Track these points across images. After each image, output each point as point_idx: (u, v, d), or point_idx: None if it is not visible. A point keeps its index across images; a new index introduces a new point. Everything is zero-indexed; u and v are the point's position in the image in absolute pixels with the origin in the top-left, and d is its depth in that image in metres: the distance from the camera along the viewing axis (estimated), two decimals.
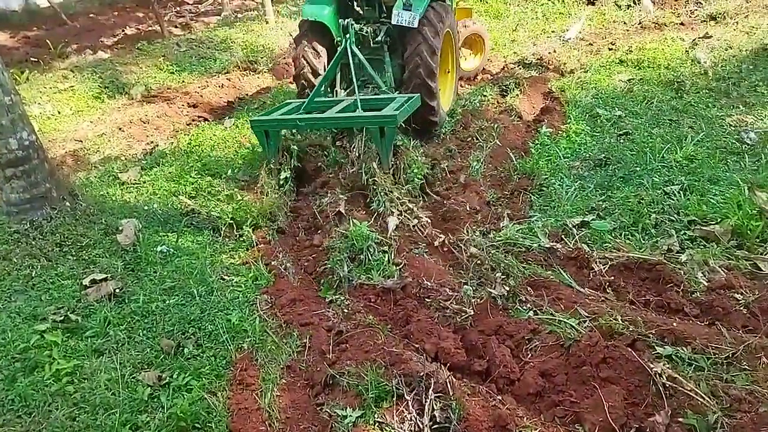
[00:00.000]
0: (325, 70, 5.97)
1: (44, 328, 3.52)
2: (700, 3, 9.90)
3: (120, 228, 4.61)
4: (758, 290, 3.32)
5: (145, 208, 5.22)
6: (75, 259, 4.34)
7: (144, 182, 5.89)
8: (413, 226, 4.51)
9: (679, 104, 6.34)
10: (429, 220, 4.63)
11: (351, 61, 5.53)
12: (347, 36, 5.58)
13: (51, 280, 4.09)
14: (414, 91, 5.70)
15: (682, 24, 9.29)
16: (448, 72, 6.97)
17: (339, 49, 5.72)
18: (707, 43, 8.00)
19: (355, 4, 6.14)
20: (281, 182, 5.27)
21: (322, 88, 5.78)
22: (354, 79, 5.53)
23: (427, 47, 5.72)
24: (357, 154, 5.16)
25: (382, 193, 4.74)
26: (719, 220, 3.99)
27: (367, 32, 6.00)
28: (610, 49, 8.61)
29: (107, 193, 5.58)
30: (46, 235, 4.51)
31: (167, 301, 3.84)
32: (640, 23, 9.66)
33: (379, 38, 6.03)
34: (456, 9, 7.57)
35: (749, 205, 3.92)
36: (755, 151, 5.03)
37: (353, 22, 5.71)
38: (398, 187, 4.89)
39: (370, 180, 4.89)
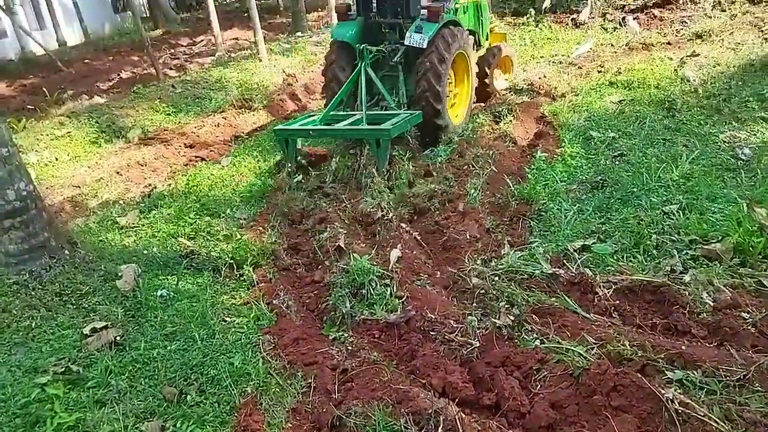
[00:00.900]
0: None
1: (45, 380, 3.45)
2: (685, 22, 10.09)
3: (120, 274, 4.58)
4: (765, 308, 3.29)
5: (145, 252, 5.19)
6: (75, 308, 4.29)
7: (143, 225, 5.88)
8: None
9: (671, 123, 6.40)
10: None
11: (363, 81, 6.47)
12: (363, 59, 6.52)
13: (51, 331, 4.03)
14: (423, 95, 6.56)
15: (669, 43, 9.45)
16: (461, 88, 7.55)
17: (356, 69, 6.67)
18: (695, 61, 8.12)
19: (381, 27, 7.04)
20: (297, 184, 6.21)
21: (338, 103, 6.74)
22: (363, 97, 6.45)
23: (437, 56, 6.53)
24: (364, 160, 6.17)
25: (376, 191, 5.59)
26: (720, 238, 3.98)
27: (386, 53, 6.86)
28: (599, 72, 8.74)
29: (106, 238, 5.57)
30: (45, 284, 4.47)
31: (168, 347, 3.78)
32: (627, 45, 9.82)
33: (396, 59, 6.83)
34: (491, 33, 8.53)
35: (749, 222, 3.91)
36: (750, 167, 5.05)
37: (368, 47, 6.60)
38: (388, 186, 5.81)
39: (368, 180, 5.81)
